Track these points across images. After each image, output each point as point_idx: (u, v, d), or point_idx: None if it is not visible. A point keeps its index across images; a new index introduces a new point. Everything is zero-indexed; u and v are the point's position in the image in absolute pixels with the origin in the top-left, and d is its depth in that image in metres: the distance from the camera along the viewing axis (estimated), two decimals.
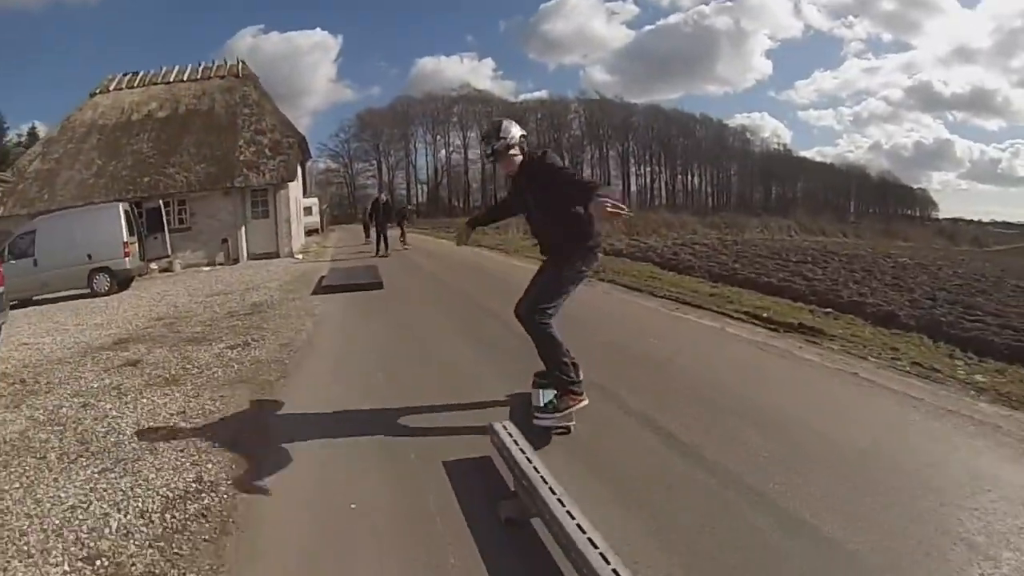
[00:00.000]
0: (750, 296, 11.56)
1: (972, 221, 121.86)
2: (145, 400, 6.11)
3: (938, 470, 3.91)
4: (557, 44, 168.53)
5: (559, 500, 3.04)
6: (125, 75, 32.23)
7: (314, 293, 13.25)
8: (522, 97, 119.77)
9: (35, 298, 17.81)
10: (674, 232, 48.17)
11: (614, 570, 2.56)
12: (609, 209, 3.90)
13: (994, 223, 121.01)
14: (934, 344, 8.01)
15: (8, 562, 3.35)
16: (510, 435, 3.87)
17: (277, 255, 25.78)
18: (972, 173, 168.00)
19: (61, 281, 18.05)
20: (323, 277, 15.59)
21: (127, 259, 18.36)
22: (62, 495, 4.11)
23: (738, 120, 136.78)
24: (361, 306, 11.17)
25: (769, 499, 3.56)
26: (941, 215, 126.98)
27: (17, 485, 4.34)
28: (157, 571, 3.19)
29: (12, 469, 4.64)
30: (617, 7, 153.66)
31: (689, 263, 17.69)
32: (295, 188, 29.69)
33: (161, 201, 23.67)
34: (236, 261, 25.23)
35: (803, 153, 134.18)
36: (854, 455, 4.13)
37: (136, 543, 3.46)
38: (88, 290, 18.07)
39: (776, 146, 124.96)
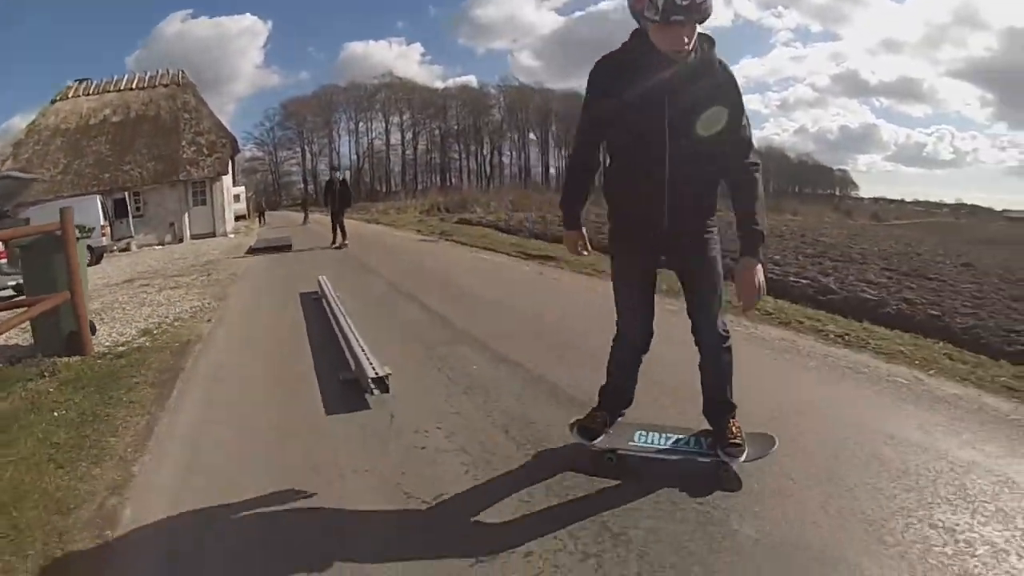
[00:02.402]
0: (539, 244, 17.59)
1: (894, 200, 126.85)
2: (163, 293, 12.00)
3: (544, 296, 10.20)
4: (487, 29, 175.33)
5: (336, 300, 9.19)
6: (80, 82, 37.44)
7: (246, 253, 19.51)
8: (448, 82, 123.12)
9: None
10: (556, 209, 52.41)
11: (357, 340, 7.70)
12: (756, 287, 3.09)
13: (916, 202, 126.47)
14: None
15: (121, 323, 9.35)
16: (325, 281, 9.85)
17: (214, 235, 31.48)
18: (898, 156, 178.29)
19: None
20: (251, 245, 21.71)
21: (104, 239, 23.19)
22: (140, 314, 9.94)
23: None
24: (275, 259, 17.34)
25: (431, 307, 9.64)
26: (864, 195, 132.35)
27: (118, 313, 10.17)
28: (187, 325, 9.10)
29: (113, 311, 10.42)
30: None
31: (520, 228, 23.21)
32: (227, 180, 35.21)
33: (126, 193, 29.06)
34: (181, 240, 30.72)
35: None
36: (502, 306, 10.09)
37: (178, 320, 9.25)
38: None
39: None
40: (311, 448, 4.36)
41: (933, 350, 5.88)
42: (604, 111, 3.25)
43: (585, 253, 3.83)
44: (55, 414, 5.29)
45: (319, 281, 9.92)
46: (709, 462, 3.36)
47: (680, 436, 3.53)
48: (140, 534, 3.46)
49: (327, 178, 26.24)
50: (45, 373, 6.46)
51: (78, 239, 7.45)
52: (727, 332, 3.39)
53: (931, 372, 5.13)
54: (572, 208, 3.70)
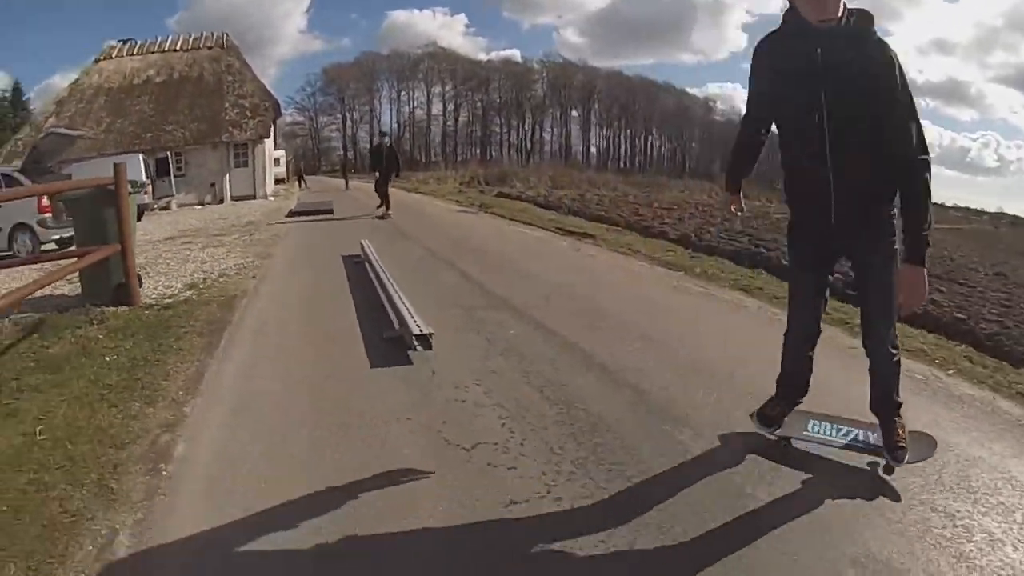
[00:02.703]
0: (577, 221, 17.50)
1: (934, 204, 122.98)
2: (207, 250, 12.25)
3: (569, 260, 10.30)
4: (531, 3, 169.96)
5: (379, 263, 9.26)
6: (124, 43, 37.84)
7: (287, 216, 19.72)
8: (491, 55, 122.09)
9: None
10: (595, 187, 52.30)
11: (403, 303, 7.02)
12: (922, 296, 3.00)
13: (956, 207, 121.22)
14: (686, 251, 11.67)
15: (166, 277, 9.52)
16: (368, 245, 9.96)
17: (255, 197, 31.78)
18: (940, 159, 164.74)
19: None
20: (292, 208, 21.93)
21: (145, 196, 23.29)
22: (184, 269, 10.14)
23: (710, 90, 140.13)
24: (316, 223, 17.53)
25: (470, 275, 9.75)
26: None
27: (163, 268, 10.37)
28: (232, 281, 9.20)
29: (158, 266, 10.67)
30: None
31: (559, 204, 23.01)
32: (269, 143, 35.57)
33: (168, 153, 29.43)
34: (222, 201, 31.11)
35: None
36: (550, 284, 9.23)
37: (223, 277, 9.43)
38: None
39: (738, 117, 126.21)
40: (355, 397, 4.54)
41: (955, 352, 5.83)
42: (761, 95, 3.26)
43: (738, 213, 3.85)
44: (106, 359, 5.50)
45: (362, 244, 10.07)
46: (871, 462, 3.40)
47: (851, 429, 3.53)
48: (192, 469, 3.63)
49: (375, 143, 24.21)
50: (94, 321, 6.68)
51: (130, 194, 7.66)
52: (896, 348, 3.23)
53: (950, 372, 5.10)
54: (732, 179, 3.80)
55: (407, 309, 5.80)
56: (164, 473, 3.56)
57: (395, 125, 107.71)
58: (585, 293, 7.86)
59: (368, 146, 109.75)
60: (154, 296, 8.08)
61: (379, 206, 18.19)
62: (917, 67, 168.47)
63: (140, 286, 7.96)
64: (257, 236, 14.41)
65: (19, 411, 4.43)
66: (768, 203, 72.61)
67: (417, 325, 5.30)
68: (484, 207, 21.44)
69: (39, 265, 9.20)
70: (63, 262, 7.32)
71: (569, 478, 3.32)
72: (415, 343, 5.14)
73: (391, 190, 18.96)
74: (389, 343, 5.67)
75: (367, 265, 9.04)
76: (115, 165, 7.33)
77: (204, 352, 5.66)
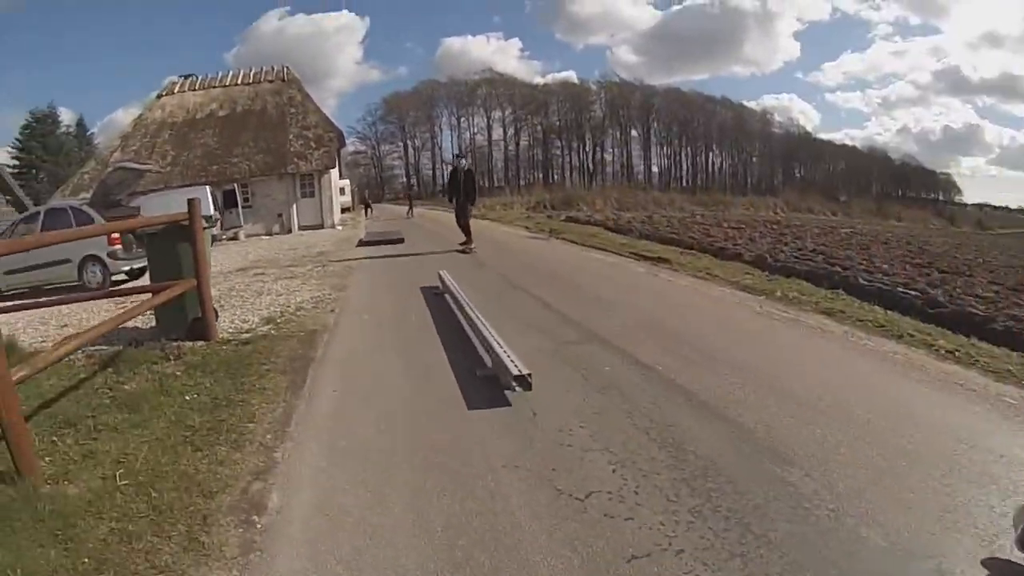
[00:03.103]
0: (649, 245, 17.45)
1: (999, 207, 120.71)
2: (280, 282, 12.23)
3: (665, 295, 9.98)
4: (583, 24, 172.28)
5: (463, 295, 9.10)
6: (185, 78, 39.04)
7: (358, 245, 19.71)
8: (547, 78, 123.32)
9: None
10: (661, 208, 52.43)
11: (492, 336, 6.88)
12: None
13: (1020, 209, 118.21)
14: (763, 273, 11.79)
15: (242, 311, 9.42)
16: (446, 275, 9.71)
17: (322, 226, 32.09)
18: (1002, 159, 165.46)
19: None
20: (361, 238, 21.94)
21: (214, 228, 23.76)
22: (260, 302, 10.08)
23: (766, 102, 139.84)
24: (387, 249, 17.43)
25: (551, 305, 9.41)
26: (967, 200, 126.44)
27: (237, 301, 10.33)
28: (310, 315, 9.05)
29: (231, 298, 10.61)
30: None
31: (629, 228, 22.97)
32: (334, 173, 35.92)
33: (235, 184, 29.88)
34: (289, 231, 31.50)
35: (831, 135, 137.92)
36: (638, 308, 9.20)
37: (300, 310, 9.31)
38: None
39: (796, 128, 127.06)
40: (456, 441, 4.33)
41: None
42: None
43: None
44: (186, 397, 5.38)
45: (440, 275, 9.87)
46: None
47: None
48: (288, 521, 3.44)
49: (451, 166, 20.64)
50: (171, 357, 6.59)
51: (205, 228, 7.64)
52: None
53: None
54: None
55: (500, 346, 5.53)
56: (258, 526, 3.39)
57: (456, 151, 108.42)
58: (671, 322, 7.66)
59: (430, 173, 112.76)
60: (231, 330, 8.01)
61: (463, 242, 16.06)
62: (970, 63, 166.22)
63: (216, 320, 7.89)
64: (330, 267, 14.36)
65: (97, 452, 4.31)
66: (832, 216, 72.68)
67: (515, 364, 5.00)
68: (554, 232, 21.29)
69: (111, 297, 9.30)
70: (140, 296, 7.24)
71: (688, 528, 3.21)
72: (513, 384, 4.86)
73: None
74: (483, 380, 5.45)
75: (447, 296, 8.91)
76: (189, 200, 7.28)
77: (289, 391, 5.51)
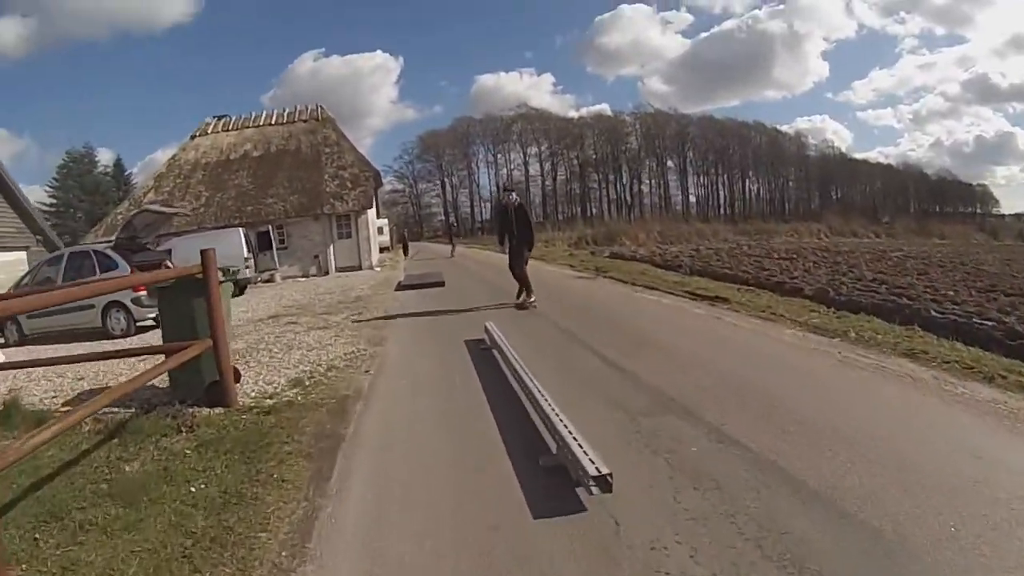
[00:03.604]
0: (703, 282, 16.77)
1: None
2: (312, 333, 11.51)
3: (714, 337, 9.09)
4: (614, 56, 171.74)
5: (515, 356, 8.21)
6: (219, 119, 39.45)
7: (396, 289, 19.01)
8: (581, 111, 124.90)
9: None
10: (705, 240, 52.13)
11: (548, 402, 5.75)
12: None
13: None
14: (829, 310, 11.35)
15: (268, 370, 8.64)
16: (493, 328, 8.96)
17: (359, 268, 31.71)
18: None
19: None
20: (400, 281, 21.26)
21: (247, 271, 23.59)
22: (288, 359, 9.31)
23: (799, 124, 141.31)
24: (427, 294, 16.72)
25: (614, 362, 8.55)
26: (1004, 211, 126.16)
27: (264, 356, 9.62)
28: (342, 376, 8.26)
29: (259, 353, 9.91)
30: (671, 16, 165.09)
31: (678, 263, 22.52)
32: (371, 213, 35.51)
33: (270, 226, 29.53)
34: (326, 273, 31.13)
35: (864, 154, 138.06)
36: (693, 354, 8.58)
37: (332, 369, 8.54)
38: None
39: (830, 150, 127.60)
40: (523, 566, 3.41)
41: None
42: None
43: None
44: (192, 488, 4.65)
45: (486, 328, 9.08)
46: None
47: None
48: None
49: (500, 202, 15.43)
50: (182, 428, 5.94)
51: (221, 282, 6.95)
52: None
53: None
54: None
55: (570, 432, 4.55)
56: None
57: (493, 188, 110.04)
58: (748, 378, 6.69)
59: (468, 210, 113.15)
60: (254, 394, 7.28)
61: (520, 294, 13.00)
62: (998, 70, 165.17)
63: (237, 381, 7.20)
64: (366, 315, 13.60)
65: (79, 564, 3.69)
66: (876, 238, 71.67)
67: (591, 461, 4.03)
68: (601, 271, 20.73)
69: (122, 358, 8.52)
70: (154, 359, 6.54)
71: None
72: (591, 485, 3.90)
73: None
74: (548, 472, 4.50)
75: (495, 353, 8.11)
76: (202, 252, 6.58)
77: (313, 485, 4.63)
